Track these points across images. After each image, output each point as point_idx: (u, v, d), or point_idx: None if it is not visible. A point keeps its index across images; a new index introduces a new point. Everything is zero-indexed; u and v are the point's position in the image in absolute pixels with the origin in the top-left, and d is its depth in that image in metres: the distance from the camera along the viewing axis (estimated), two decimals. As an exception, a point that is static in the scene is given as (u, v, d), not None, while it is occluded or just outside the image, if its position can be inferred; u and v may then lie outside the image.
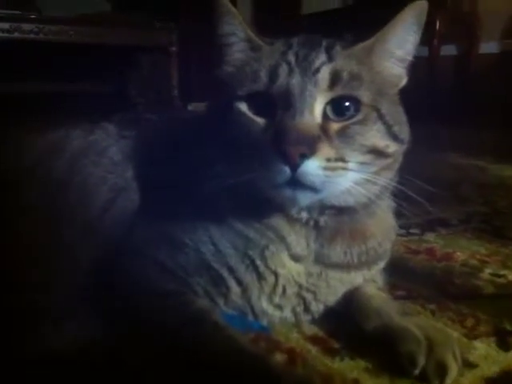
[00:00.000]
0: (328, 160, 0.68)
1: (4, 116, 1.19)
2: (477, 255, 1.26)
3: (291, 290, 0.83)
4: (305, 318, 0.86)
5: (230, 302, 0.82)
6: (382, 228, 0.87)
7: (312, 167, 0.67)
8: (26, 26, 3.25)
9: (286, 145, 0.67)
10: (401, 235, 1.32)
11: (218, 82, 0.82)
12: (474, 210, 1.70)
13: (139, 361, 0.71)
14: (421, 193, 0.77)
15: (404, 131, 0.79)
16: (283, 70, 0.73)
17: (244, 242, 0.80)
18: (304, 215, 0.80)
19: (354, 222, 0.82)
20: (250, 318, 0.83)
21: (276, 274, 0.81)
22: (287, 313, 0.84)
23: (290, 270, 0.82)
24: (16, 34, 3.21)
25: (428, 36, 3.84)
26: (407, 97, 0.81)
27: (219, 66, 0.82)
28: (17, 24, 3.20)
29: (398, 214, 0.91)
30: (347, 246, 0.83)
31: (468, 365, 0.76)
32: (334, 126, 0.72)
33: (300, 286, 0.83)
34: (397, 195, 0.83)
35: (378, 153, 0.74)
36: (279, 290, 0.82)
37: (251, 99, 0.75)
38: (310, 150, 0.67)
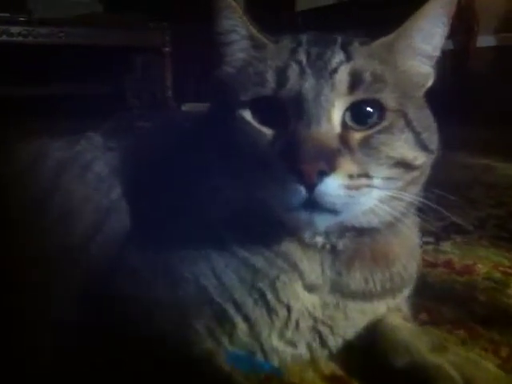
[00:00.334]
0: (350, 177, 0.59)
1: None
2: (499, 267, 1.15)
3: (305, 324, 0.72)
4: (321, 355, 0.75)
5: (236, 340, 0.71)
6: (408, 248, 0.77)
7: (332, 186, 0.58)
8: (15, 29, 3.17)
9: (300, 160, 0.57)
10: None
11: (217, 86, 0.72)
12: (487, 213, 1.60)
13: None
14: (430, 197, 0.70)
15: (433, 139, 0.69)
16: (293, 71, 0.63)
17: (251, 273, 0.70)
18: (319, 239, 0.70)
19: (375, 244, 0.72)
20: (259, 357, 0.72)
21: (289, 308, 0.71)
22: (301, 349, 0.73)
23: (304, 301, 0.71)
24: (4, 37, 3.12)
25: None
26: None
27: (218, 66, 0.71)
28: (4, 27, 3.11)
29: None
30: (368, 271, 0.73)
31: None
32: (356, 136, 0.62)
33: (315, 319, 0.73)
34: (420, 209, 0.72)
35: (405, 166, 0.65)
36: (292, 324, 0.72)
37: (256, 106, 0.65)
38: (330, 166, 0.57)
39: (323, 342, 0.74)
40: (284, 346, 0.72)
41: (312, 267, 0.71)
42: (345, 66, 0.63)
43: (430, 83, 0.71)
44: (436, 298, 0.97)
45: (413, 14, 0.67)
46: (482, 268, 1.15)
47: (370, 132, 0.63)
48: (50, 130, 0.99)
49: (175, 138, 0.88)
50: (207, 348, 0.69)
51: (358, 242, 0.71)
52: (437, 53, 0.69)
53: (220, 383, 0.64)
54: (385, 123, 0.63)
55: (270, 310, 0.71)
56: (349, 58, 0.64)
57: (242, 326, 0.70)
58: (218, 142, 0.68)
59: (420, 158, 0.66)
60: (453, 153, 2.72)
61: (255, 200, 0.63)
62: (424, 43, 0.68)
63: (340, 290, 0.72)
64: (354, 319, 0.74)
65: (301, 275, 0.71)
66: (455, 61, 4.22)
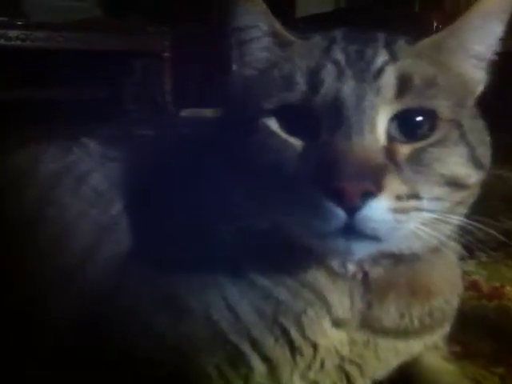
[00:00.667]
0: (398, 198, 0.49)
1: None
2: (529, 289, 1.06)
3: (331, 363, 0.63)
4: (348, 398, 0.65)
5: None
6: (451, 279, 0.67)
7: (378, 210, 0.48)
8: (12, 33, 3.11)
9: (340, 179, 0.47)
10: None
11: (232, 91, 0.63)
12: (508, 228, 1.51)
13: None
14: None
15: (487, 155, 0.59)
16: (329, 72, 0.54)
17: (273, 306, 0.60)
18: (351, 267, 0.60)
19: (414, 273, 0.62)
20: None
21: (315, 346, 0.61)
22: None
23: (332, 338, 0.62)
24: (1, 41, 3.06)
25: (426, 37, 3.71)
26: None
27: (235, 69, 0.62)
28: (2, 31, 3.05)
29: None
30: (405, 305, 0.63)
31: None
32: (403, 150, 0.53)
33: (342, 358, 0.63)
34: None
35: (456, 184, 0.55)
36: (317, 364, 0.62)
37: (283, 114, 0.55)
38: (376, 187, 0.48)
39: None
40: None
41: (341, 299, 0.61)
42: (391, 67, 0.54)
43: (480, 89, 0.61)
44: (468, 328, 0.88)
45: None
46: (511, 291, 1.06)
47: (420, 145, 0.53)
48: (47, 135, 0.90)
49: (183, 148, 0.77)
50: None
51: (394, 271, 0.61)
52: (490, 55, 0.60)
53: None
54: (437, 135, 0.54)
55: (294, 349, 0.61)
56: (394, 57, 0.55)
57: (260, 368, 0.60)
58: (234, 155, 0.59)
59: (473, 176, 0.57)
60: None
61: (280, 223, 0.54)
62: (478, 43, 0.59)
63: (371, 326, 0.63)
64: (386, 359, 0.65)
65: (329, 309, 0.61)
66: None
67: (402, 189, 0.50)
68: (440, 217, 0.55)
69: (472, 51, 0.59)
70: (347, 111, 0.52)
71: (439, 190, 0.54)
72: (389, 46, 0.56)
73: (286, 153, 0.54)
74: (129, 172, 0.74)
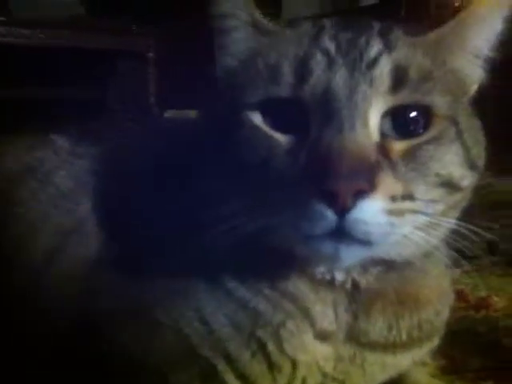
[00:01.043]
0: (393, 199, 0.46)
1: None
2: (517, 300, 1.03)
3: (313, 381, 0.58)
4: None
5: None
6: (441, 289, 0.63)
7: (370, 211, 0.45)
8: None
9: (331, 177, 0.43)
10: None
11: (214, 84, 0.58)
12: (493, 236, 1.48)
13: None
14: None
15: (482, 156, 0.56)
16: (318, 62, 0.50)
17: (250, 318, 0.55)
18: (339, 276, 0.55)
19: (403, 282, 0.58)
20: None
21: (295, 362, 0.56)
22: None
23: (315, 354, 0.57)
24: None
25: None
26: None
27: (216, 59, 0.58)
28: None
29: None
30: (393, 316, 0.58)
31: None
32: (398, 147, 0.49)
33: (325, 375, 0.58)
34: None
35: (451, 186, 0.52)
36: (297, 382, 0.57)
37: (268, 107, 0.51)
38: (369, 185, 0.44)
39: None
40: None
41: (325, 310, 0.57)
42: (386, 57, 0.50)
43: (475, 87, 0.58)
44: (456, 341, 0.84)
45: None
46: (498, 301, 1.04)
47: (415, 142, 0.50)
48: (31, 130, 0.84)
49: (161, 145, 0.72)
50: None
51: (383, 280, 0.57)
52: (489, 52, 0.57)
53: None
54: (433, 132, 0.51)
55: (272, 365, 0.56)
56: (389, 47, 0.51)
57: None
58: (216, 152, 0.55)
59: (467, 178, 0.53)
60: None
61: (265, 225, 0.49)
62: (475, 40, 0.56)
63: (357, 339, 0.58)
64: (372, 374, 0.60)
65: (312, 321, 0.56)
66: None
67: (397, 188, 0.46)
68: (434, 220, 0.51)
69: (469, 48, 0.56)
70: (338, 103, 0.47)
71: (434, 192, 0.50)
72: (384, 35, 0.52)
73: (272, 149, 0.50)
74: (98, 171, 0.69)
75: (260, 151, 0.50)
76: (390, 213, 0.46)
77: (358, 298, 0.57)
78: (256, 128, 0.51)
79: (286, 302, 0.56)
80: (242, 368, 0.56)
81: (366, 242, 0.46)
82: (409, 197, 0.48)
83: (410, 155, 0.49)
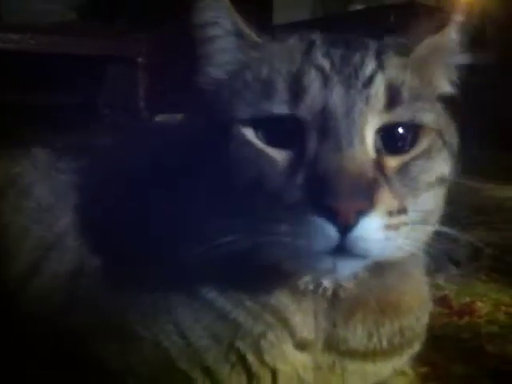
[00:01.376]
0: (390, 214, 0.47)
1: None
2: (501, 306, 1.04)
3: None
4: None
5: None
6: (421, 295, 0.64)
7: (370, 228, 0.45)
8: None
9: (333, 197, 0.44)
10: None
11: (201, 94, 0.58)
12: (479, 241, 1.49)
13: None
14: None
15: (456, 141, 0.59)
16: (313, 79, 0.50)
17: (230, 330, 0.55)
18: (326, 283, 0.56)
19: (384, 289, 0.58)
20: None
21: (275, 372, 0.57)
22: None
23: (294, 363, 0.57)
24: None
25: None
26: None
27: (199, 70, 0.57)
28: None
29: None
30: (374, 324, 0.59)
31: None
32: (391, 163, 0.50)
33: None
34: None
35: (439, 183, 0.54)
36: None
37: (261, 122, 0.51)
38: (370, 203, 0.45)
39: None
40: None
41: (305, 320, 0.57)
42: (380, 75, 0.51)
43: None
44: (438, 348, 0.84)
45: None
46: (482, 307, 1.04)
47: (406, 157, 0.51)
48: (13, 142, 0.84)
49: (141, 160, 0.71)
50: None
51: (364, 287, 0.57)
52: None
53: None
54: (422, 146, 0.53)
55: (252, 376, 0.56)
56: (382, 67, 0.52)
57: None
58: (202, 166, 0.55)
59: (451, 167, 0.56)
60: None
61: (258, 244, 0.49)
62: (452, 57, 0.59)
63: (336, 348, 0.58)
64: None
65: (291, 331, 0.57)
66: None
67: (393, 204, 0.47)
68: (420, 225, 0.53)
69: (447, 65, 0.59)
70: (336, 121, 0.48)
71: (423, 197, 0.52)
72: (378, 54, 0.53)
73: (265, 164, 0.49)
74: (79, 185, 0.69)
75: (251, 166, 0.50)
76: (388, 228, 0.47)
77: (337, 306, 0.57)
78: (248, 143, 0.50)
79: (266, 313, 0.56)
80: (221, 380, 0.56)
81: (363, 256, 0.47)
82: (403, 210, 0.49)
83: (402, 170, 0.51)
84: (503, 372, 0.79)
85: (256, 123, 0.51)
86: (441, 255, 0.57)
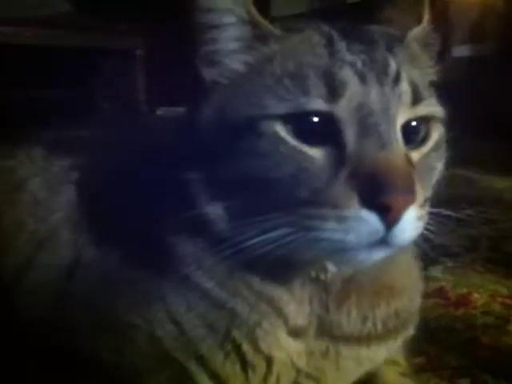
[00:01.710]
0: (421, 206, 0.49)
1: None
2: (497, 297, 1.04)
3: (287, 379, 0.59)
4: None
5: None
6: (413, 277, 0.65)
7: (410, 220, 0.47)
8: None
9: (387, 193, 0.45)
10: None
11: (211, 88, 0.55)
12: (476, 232, 1.49)
13: None
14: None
15: None
16: (350, 75, 0.49)
17: (226, 319, 0.56)
18: (331, 268, 0.56)
19: (378, 271, 0.58)
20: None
21: (269, 360, 0.57)
22: None
23: (288, 350, 0.58)
24: None
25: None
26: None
27: (212, 60, 0.54)
28: None
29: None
30: (368, 307, 0.59)
31: None
32: (415, 157, 0.52)
33: (298, 371, 0.59)
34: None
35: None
36: (272, 379, 0.58)
37: (295, 119, 0.49)
38: (414, 196, 0.47)
39: None
40: None
41: (299, 306, 0.57)
42: (404, 71, 0.51)
43: None
44: (433, 338, 0.85)
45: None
46: (478, 298, 1.04)
47: (425, 150, 0.54)
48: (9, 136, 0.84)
49: (141, 154, 0.69)
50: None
51: (355, 271, 0.57)
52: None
53: None
54: (435, 137, 0.55)
55: (247, 364, 0.57)
56: (400, 61, 0.52)
57: None
58: (212, 163, 0.53)
59: None
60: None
61: (284, 242, 0.48)
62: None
63: (330, 333, 0.59)
64: (347, 369, 0.61)
65: (285, 319, 0.57)
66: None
67: (423, 195, 0.49)
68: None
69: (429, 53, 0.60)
70: (376, 118, 0.48)
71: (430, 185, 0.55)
72: (390, 49, 0.53)
73: (301, 162, 0.48)
74: (73, 179, 0.69)
75: (284, 162, 0.49)
76: (420, 219, 0.49)
77: (331, 290, 0.58)
78: (280, 139, 0.49)
79: (262, 303, 0.56)
80: (215, 369, 0.56)
81: (396, 245, 0.49)
82: (426, 201, 0.51)
83: (422, 162, 0.53)
84: (497, 363, 0.80)
85: (287, 119, 0.49)
86: (438, 246, 0.58)
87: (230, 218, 0.53)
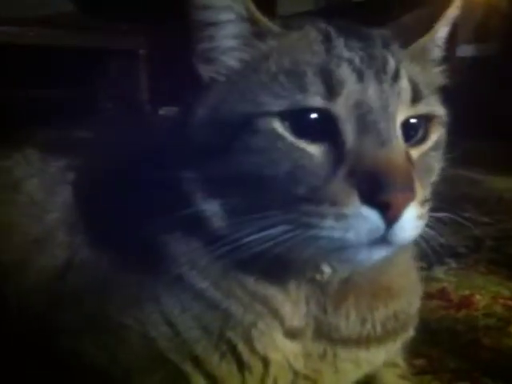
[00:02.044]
0: (421, 204, 0.49)
1: None
2: (499, 299, 1.03)
3: (284, 380, 0.58)
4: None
5: None
6: (412, 278, 0.65)
7: (410, 218, 0.47)
8: None
9: (387, 191, 0.45)
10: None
11: (206, 85, 0.55)
12: (480, 233, 1.48)
13: None
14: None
15: None
16: (348, 72, 0.49)
17: (220, 320, 0.55)
18: (327, 270, 0.55)
19: (376, 272, 0.58)
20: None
21: (266, 361, 0.56)
22: None
23: (285, 351, 0.57)
24: None
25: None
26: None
27: (208, 57, 0.54)
28: None
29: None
30: (367, 309, 0.59)
31: None
32: (414, 155, 0.52)
33: (296, 373, 0.58)
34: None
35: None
36: (269, 381, 0.57)
37: (292, 116, 0.49)
38: (414, 194, 0.47)
39: None
40: None
41: (295, 307, 0.57)
42: (403, 69, 0.51)
43: None
44: (434, 340, 0.84)
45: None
46: (480, 300, 1.03)
47: (424, 148, 0.54)
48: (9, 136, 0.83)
49: (136, 155, 0.67)
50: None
51: (353, 272, 0.57)
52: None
53: None
54: (435, 137, 0.55)
55: (243, 366, 0.56)
56: (398, 59, 0.52)
57: None
58: (208, 161, 0.52)
59: None
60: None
61: (282, 240, 0.48)
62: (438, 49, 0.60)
63: (327, 335, 0.58)
64: (345, 372, 0.60)
65: (281, 320, 0.56)
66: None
67: (422, 194, 0.49)
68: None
69: (437, 53, 0.60)
70: (375, 116, 0.48)
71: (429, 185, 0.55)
72: (385, 44, 0.53)
73: (298, 159, 0.48)
74: (69, 180, 0.68)
75: (282, 160, 0.48)
76: (420, 217, 0.48)
77: (328, 292, 0.57)
78: (278, 136, 0.49)
79: (257, 303, 0.56)
80: (211, 370, 0.56)
81: (396, 244, 0.48)
82: (427, 200, 0.50)
83: (421, 161, 0.53)
84: (499, 365, 0.79)
85: (285, 115, 0.49)
86: (440, 247, 0.57)
87: (226, 215, 0.52)
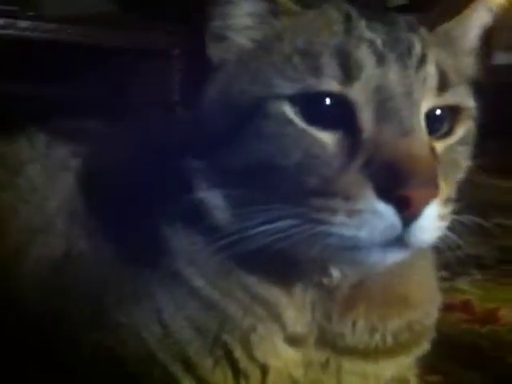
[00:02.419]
0: (444, 203, 0.45)
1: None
2: (527, 314, 0.97)
3: None
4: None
5: None
6: (431, 287, 0.60)
7: (431, 217, 0.43)
8: (22, 23, 3.09)
9: (407, 185, 0.41)
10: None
11: (219, 65, 0.51)
12: (508, 243, 1.41)
13: None
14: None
15: None
16: (367, 55, 0.45)
17: (217, 321, 0.51)
18: (336, 274, 0.51)
19: (390, 278, 0.54)
20: None
21: (264, 368, 0.52)
22: None
23: (285, 359, 0.53)
24: (10, 31, 3.05)
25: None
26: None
27: (218, 35, 0.51)
28: (12, 20, 3.04)
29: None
30: (378, 318, 0.54)
31: None
32: (439, 148, 0.48)
33: (295, 383, 0.54)
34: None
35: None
36: None
37: (304, 100, 0.45)
38: (437, 191, 0.43)
39: None
40: None
41: (298, 313, 0.53)
42: (430, 54, 0.47)
43: None
44: (454, 357, 0.79)
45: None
46: (506, 315, 0.97)
47: (450, 141, 0.49)
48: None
49: (143, 145, 0.66)
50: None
51: (367, 277, 0.53)
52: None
53: None
54: (462, 130, 0.50)
55: (239, 372, 0.52)
56: (426, 44, 0.48)
57: None
58: (216, 149, 0.49)
59: None
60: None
61: (288, 237, 0.44)
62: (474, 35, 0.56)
63: (332, 343, 0.54)
64: None
65: (283, 325, 0.52)
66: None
67: (447, 191, 0.46)
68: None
69: (470, 42, 0.56)
70: (396, 103, 0.44)
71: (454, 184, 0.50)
72: (414, 30, 0.49)
73: (310, 146, 0.45)
74: (73, 167, 0.66)
75: (292, 148, 0.45)
76: (441, 218, 0.45)
77: (336, 298, 0.53)
78: (288, 122, 0.45)
79: (257, 306, 0.52)
80: (203, 376, 0.52)
81: (414, 246, 0.45)
82: (450, 199, 0.47)
83: (446, 155, 0.48)
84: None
85: (296, 100, 0.46)
86: (465, 256, 0.54)
87: (230, 206, 0.49)
